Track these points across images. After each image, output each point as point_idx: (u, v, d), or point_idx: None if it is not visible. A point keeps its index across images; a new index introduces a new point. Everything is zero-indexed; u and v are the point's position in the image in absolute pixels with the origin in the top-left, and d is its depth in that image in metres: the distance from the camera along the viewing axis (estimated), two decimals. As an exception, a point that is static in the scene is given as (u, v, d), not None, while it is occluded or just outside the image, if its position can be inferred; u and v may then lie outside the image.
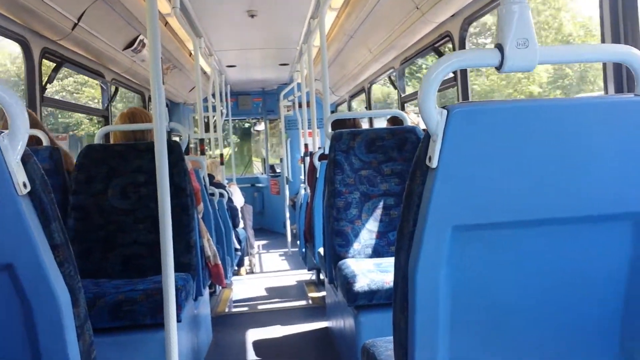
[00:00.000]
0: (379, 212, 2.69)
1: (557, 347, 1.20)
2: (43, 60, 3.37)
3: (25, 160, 1.00)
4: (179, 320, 2.13)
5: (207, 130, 6.45)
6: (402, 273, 1.14)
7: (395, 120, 3.73)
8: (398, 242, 1.18)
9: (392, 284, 2.19)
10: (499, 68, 1.05)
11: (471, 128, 1.03)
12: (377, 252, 2.67)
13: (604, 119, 1.05)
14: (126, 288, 2.19)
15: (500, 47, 1.03)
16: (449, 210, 1.05)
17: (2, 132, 0.98)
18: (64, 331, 1.03)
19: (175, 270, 2.05)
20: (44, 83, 3.38)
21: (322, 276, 4.64)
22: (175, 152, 2.51)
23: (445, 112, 1.02)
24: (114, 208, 2.53)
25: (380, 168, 2.72)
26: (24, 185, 0.98)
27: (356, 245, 2.64)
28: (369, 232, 2.67)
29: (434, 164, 1.03)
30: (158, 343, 2.09)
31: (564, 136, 1.04)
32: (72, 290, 1.07)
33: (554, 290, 1.16)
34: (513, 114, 1.04)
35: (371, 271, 2.29)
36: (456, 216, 1.06)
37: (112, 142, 2.89)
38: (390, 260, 2.49)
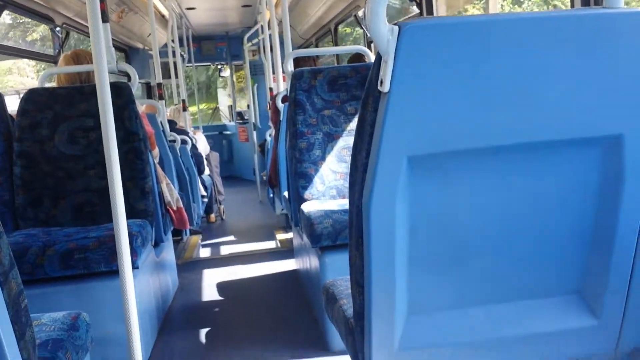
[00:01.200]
0: (343, 152, 2.61)
1: (515, 280, 1.17)
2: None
3: None
4: (135, 267, 2.06)
5: (168, 76, 6.19)
6: (357, 208, 1.08)
7: (359, 59, 3.60)
8: (351, 175, 1.11)
9: None
10: None
11: (425, 46, 0.94)
12: (342, 193, 2.61)
13: (570, 36, 0.97)
14: (78, 236, 2.10)
15: None
16: (403, 139, 0.98)
17: None
18: None
19: (131, 217, 1.97)
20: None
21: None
22: (124, 95, 2.37)
23: (396, 29, 0.92)
24: (62, 154, 2.40)
25: (343, 107, 2.63)
26: None
27: (320, 187, 2.57)
28: (332, 173, 2.60)
29: (386, 87, 0.94)
30: (115, 290, 2.02)
31: (525, 55, 0.97)
32: None
33: (513, 221, 1.11)
34: (470, 30, 0.95)
35: (334, 212, 2.24)
36: (411, 145, 0.99)
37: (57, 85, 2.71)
38: (355, 201, 2.45)
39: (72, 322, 1.36)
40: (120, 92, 2.32)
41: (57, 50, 4.41)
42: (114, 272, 2.02)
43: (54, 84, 2.76)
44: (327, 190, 2.59)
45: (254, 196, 6.73)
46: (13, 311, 1.01)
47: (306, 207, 2.38)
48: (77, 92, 2.43)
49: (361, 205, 1.05)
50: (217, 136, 8.79)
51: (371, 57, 3.04)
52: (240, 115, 8.76)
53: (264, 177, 6.58)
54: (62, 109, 2.41)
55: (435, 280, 1.13)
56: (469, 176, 1.05)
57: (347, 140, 2.63)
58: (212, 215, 5.54)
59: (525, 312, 1.19)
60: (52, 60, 4.40)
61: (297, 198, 2.58)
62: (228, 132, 9.01)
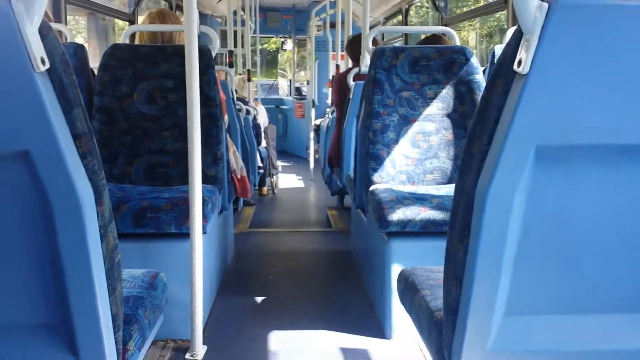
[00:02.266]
0: (417, 137, 2.53)
1: (629, 291, 1.07)
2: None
3: (43, 32, 0.85)
4: (204, 232, 2.06)
5: (234, 45, 6.21)
6: (467, 197, 1.00)
7: (434, 42, 3.47)
8: (464, 162, 1.03)
9: (428, 212, 2.08)
10: None
11: (575, 27, 0.85)
12: (412, 179, 2.53)
13: None
14: (151, 195, 2.11)
15: None
16: (534, 127, 0.90)
17: None
18: (86, 230, 0.93)
19: (202, 182, 1.96)
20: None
21: (345, 202, 4.56)
22: (205, 59, 2.35)
23: (545, 5, 0.84)
24: (140, 113, 2.41)
25: (422, 90, 2.53)
26: (42, 61, 0.84)
27: (390, 171, 2.50)
28: (404, 158, 2.52)
29: (526, 69, 0.86)
30: (182, 252, 2.03)
31: None
32: (95, 186, 0.96)
33: (633, 231, 1.02)
34: (628, 14, 0.85)
35: (406, 198, 2.17)
36: (542, 134, 0.90)
37: (137, 43, 2.72)
38: (426, 189, 2.36)
39: (151, 281, 1.36)
40: (203, 56, 2.30)
41: (132, 9, 4.46)
42: (183, 234, 2.03)
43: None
44: (397, 175, 2.52)
45: (306, 173, 6.72)
46: (109, 265, 1.00)
47: (376, 190, 2.32)
48: (159, 51, 2.43)
49: (473, 194, 0.98)
50: (274, 110, 8.80)
51: (455, 38, 2.91)
52: (298, 90, 8.72)
53: (317, 155, 6.55)
54: (143, 67, 2.42)
55: (540, 281, 1.05)
56: (597, 175, 0.96)
57: (422, 125, 2.54)
58: (265, 188, 5.56)
59: (632, 327, 1.09)
60: (128, 18, 4.46)
61: (366, 180, 2.52)
62: (285, 107, 9.01)
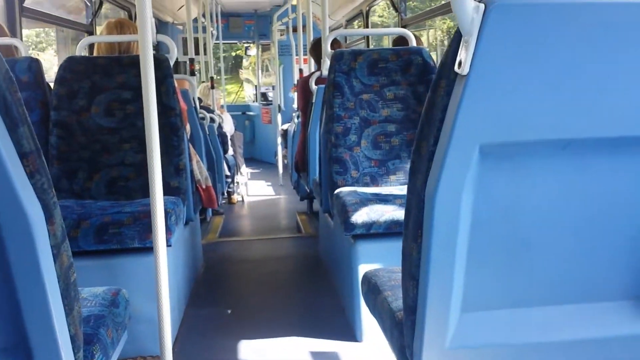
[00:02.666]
0: (379, 139, 2.55)
1: (577, 282, 1.10)
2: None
3: None
4: (168, 245, 2.04)
5: (196, 52, 6.15)
6: (418, 197, 1.02)
7: (401, 44, 3.51)
8: (414, 163, 1.05)
9: (391, 213, 2.09)
10: None
11: (511, 27, 0.87)
12: (375, 180, 2.55)
13: None
14: (112, 210, 2.08)
15: None
16: (477, 126, 0.92)
17: None
18: (37, 251, 0.91)
19: (164, 194, 1.93)
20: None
21: (314, 206, 4.57)
22: (163, 68, 2.33)
23: (482, 6, 0.85)
24: (99, 126, 2.37)
25: (382, 92, 2.56)
26: None
27: (354, 173, 2.52)
28: (367, 160, 2.54)
29: (465, 69, 0.88)
30: (147, 267, 2.00)
31: (620, 43, 0.89)
32: (45, 205, 0.94)
33: (582, 220, 1.05)
34: (564, 13, 0.88)
35: (369, 200, 2.19)
36: (485, 133, 0.92)
37: (95, 54, 2.67)
38: (389, 189, 2.39)
39: (112, 298, 1.34)
40: (160, 65, 2.28)
41: (89, 20, 4.38)
42: (147, 248, 2.00)
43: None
44: (360, 177, 2.53)
45: (275, 179, 6.70)
46: (64, 285, 0.98)
47: (340, 193, 2.33)
48: (116, 62, 2.40)
49: (424, 194, 0.99)
50: (240, 116, 8.75)
51: (412, 40, 2.95)
52: (264, 96, 8.70)
53: (285, 161, 6.55)
54: (100, 79, 2.38)
55: (494, 276, 1.08)
56: (541, 169, 0.99)
57: (383, 127, 2.56)
58: (234, 196, 5.52)
59: (585, 316, 1.13)
60: (85, 29, 4.38)
61: (330, 184, 2.53)
62: (251, 113, 8.97)
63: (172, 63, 2.45)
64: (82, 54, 2.63)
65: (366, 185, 2.53)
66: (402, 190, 2.35)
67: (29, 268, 0.92)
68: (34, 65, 2.40)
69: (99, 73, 2.39)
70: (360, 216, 2.11)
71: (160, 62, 2.30)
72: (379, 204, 2.15)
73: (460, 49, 0.88)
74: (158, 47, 2.49)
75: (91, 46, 2.82)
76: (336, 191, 2.41)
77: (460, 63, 0.88)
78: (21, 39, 2.90)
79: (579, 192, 1.01)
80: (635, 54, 0.90)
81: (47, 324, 0.96)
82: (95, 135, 2.38)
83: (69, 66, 2.39)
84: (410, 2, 8.93)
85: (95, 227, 1.99)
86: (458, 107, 0.89)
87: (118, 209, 2.10)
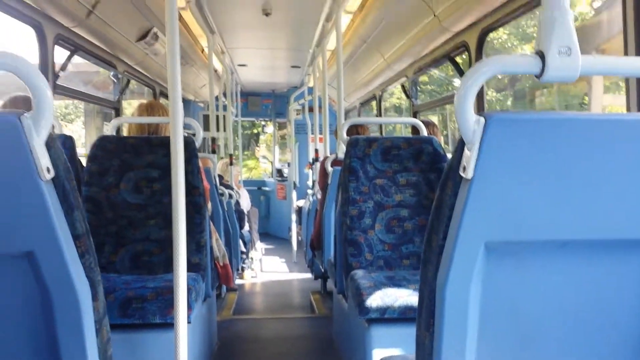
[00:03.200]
0: (392, 223, 2.63)
1: None
2: (56, 46, 3.33)
3: (49, 143, 0.96)
4: (188, 322, 2.09)
5: (217, 129, 6.43)
6: (429, 288, 1.09)
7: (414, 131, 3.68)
8: (425, 254, 1.13)
9: (405, 298, 2.14)
10: (539, 76, 1.00)
11: (509, 138, 0.98)
12: (389, 264, 2.61)
13: None
14: (136, 285, 2.15)
15: (541, 54, 0.98)
16: (482, 225, 1.00)
17: (24, 112, 0.93)
18: (83, 325, 0.99)
19: (186, 270, 2.01)
20: (56, 70, 3.34)
21: (328, 286, 4.58)
22: (190, 149, 2.47)
23: (482, 120, 0.97)
24: (126, 202, 2.49)
25: (395, 178, 2.67)
26: (48, 170, 0.94)
27: (368, 256, 2.59)
28: (381, 243, 2.62)
29: (469, 174, 0.98)
30: (166, 343, 2.04)
31: (609, 154, 0.99)
32: (92, 283, 1.03)
33: (581, 316, 1.11)
34: (554, 126, 0.99)
35: (384, 284, 2.24)
36: (489, 231, 1.01)
37: (125, 133, 2.85)
38: (403, 274, 2.44)
39: None
40: (187, 146, 2.42)
41: (116, 97, 4.65)
42: (167, 324, 2.05)
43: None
44: (375, 260, 2.60)
45: (289, 256, 6.74)
46: (102, 358, 1.05)
47: (355, 276, 2.39)
48: (145, 142, 2.54)
49: (435, 285, 1.07)
50: (256, 191, 8.93)
51: (423, 129, 3.11)
52: (279, 172, 8.92)
53: (300, 237, 6.61)
54: (129, 158, 2.52)
55: None
56: (542, 266, 1.06)
57: (397, 211, 2.65)
58: (246, 272, 5.56)
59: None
60: (113, 106, 4.64)
61: (345, 265, 2.59)
62: (267, 189, 9.15)
63: (197, 145, 2.60)
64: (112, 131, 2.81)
65: (380, 268, 2.59)
66: (416, 274, 2.40)
67: (75, 341, 0.99)
68: (68, 142, 2.57)
69: (129, 152, 2.53)
70: (375, 300, 2.15)
71: (187, 144, 2.45)
72: (393, 288, 2.19)
73: (463, 156, 0.99)
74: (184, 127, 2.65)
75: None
76: (351, 273, 2.47)
77: (464, 168, 0.99)
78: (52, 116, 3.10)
79: (579, 288, 1.08)
80: (624, 164, 1.00)
81: None
82: (122, 211, 2.49)
83: (101, 145, 2.54)
84: (428, 86, 9.30)
85: (119, 301, 2.05)
86: (464, 207, 0.99)
87: (141, 283, 2.17)
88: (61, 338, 0.98)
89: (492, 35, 3.36)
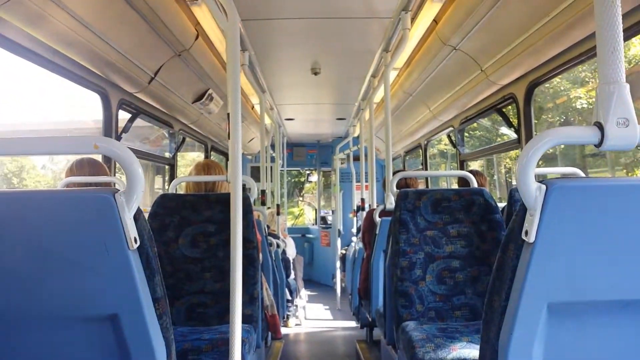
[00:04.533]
0: (443, 273, 2.64)
1: None
2: (120, 111, 3.57)
3: (136, 216, 1.06)
4: None
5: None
6: (492, 348, 1.12)
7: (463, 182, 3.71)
8: (487, 314, 1.16)
9: (459, 351, 2.13)
10: (598, 145, 1.05)
11: (570, 204, 1.02)
12: (441, 315, 2.60)
13: None
14: (192, 337, 2.22)
15: (599, 126, 1.04)
16: (544, 287, 1.04)
17: (116, 189, 1.05)
18: None
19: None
20: (119, 133, 3.56)
21: (374, 335, 4.54)
22: (245, 205, 2.57)
23: (544, 187, 1.02)
24: (184, 256, 2.60)
25: (445, 229, 2.70)
26: (135, 240, 1.04)
27: (419, 307, 2.59)
28: (432, 295, 2.62)
29: (531, 238, 1.02)
30: None
31: None
32: (167, 342, 1.11)
33: None
34: (612, 192, 1.03)
35: (436, 336, 2.24)
36: (552, 293, 1.04)
37: (183, 191, 3.00)
38: (456, 326, 2.43)
39: None
40: (242, 202, 2.53)
41: (172, 154, 4.89)
42: None
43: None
44: (425, 311, 2.60)
45: (333, 303, 6.72)
46: None
47: (407, 327, 2.39)
48: (204, 199, 2.68)
49: (497, 345, 1.09)
50: (300, 239, 9.01)
51: (473, 181, 3.14)
52: (323, 219, 8.99)
53: (343, 284, 6.60)
54: (188, 214, 2.65)
55: None
56: (605, 326, 1.08)
57: (447, 262, 2.66)
58: (291, 321, 5.56)
59: None
60: (168, 162, 4.87)
61: (396, 317, 2.60)
62: (311, 236, 9.22)
63: (252, 199, 2.71)
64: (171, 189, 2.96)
65: (431, 319, 2.58)
66: (468, 326, 2.38)
67: None
68: None
69: (187, 209, 2.66)
70: (428, 353, 2.15)
71: (243, 200, 2.56)
72: (446, 341, 2.19)
73: (525, 221, 1.04)
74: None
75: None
76: (402, 325, 2.47)
77: (526, 232, 1.03)
78: (113, 175, 3.29)
79: (636, 349, 1.09)
80: None
81: None
82: (180, 265, 2.60)
83: (162, 202, 2.68)
84: (477, 132, 9.30)
85: (176, 353, 2.12)
86: (527, 270, 1.03)
87: (197, 335, 2.25)
88: None
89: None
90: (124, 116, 3.73)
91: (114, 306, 1.03)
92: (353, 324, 5.26)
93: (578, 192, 1.02)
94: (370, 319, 3.84)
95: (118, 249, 1.02)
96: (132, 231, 1.03)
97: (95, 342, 1.05)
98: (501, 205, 3.07)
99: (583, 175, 2.59)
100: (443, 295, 2.62)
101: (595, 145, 1.05)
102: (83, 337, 1.05)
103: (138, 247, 1.05)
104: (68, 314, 1.04)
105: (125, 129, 3.76)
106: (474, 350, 2.13)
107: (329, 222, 8.84)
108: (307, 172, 9.48)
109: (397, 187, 3.27)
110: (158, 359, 1.05)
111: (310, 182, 9.75)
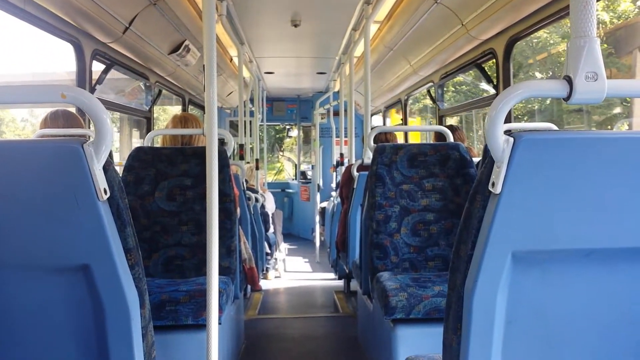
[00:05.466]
0: (418, 226, 2.70)
1: None
2: (93, 62, 3.47)
3: (105, 167, 1.06)
4: (219, 323, 2.18)
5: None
6: (457, 294, 1.16)
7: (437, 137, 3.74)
8: (454, 262, 1.20)
9: (431, 299, 2.20)
10: (566, 99, 1.07)
11: (536, 156, 1.04)
12: (414, 266, 2.68)
13: None
14: (169, 288, 2.25)
15: (569, 79, 1.05)
16: (509, 236, 1.07)
17: (85, 139, 1.04)
18: (132, 331, 1.09)
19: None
20: (93, 84, 3.48)
21: (351, 286, 4.66)
22: (222, 158, 2.57)
23: (511, 140, 1.03)
24: (160, 209, 2.61)
25: (421, 183, 2.73)
26: (105, 191, 1.04)
27: (393, 258, 2.65)
28: (407, 246, 2.68)
29: (498, 190, 1.05)
30: (198, 343, 2.14)
31: (628, 169, 1.05)
32: (140, 292, 1.12)
33: (605, 322, 1.16)
34: (577, 145, 1.06)
35: (409, 286, 2.30)
36: (516, 242, 1.08)
37: (160, 144, 2.97)
38: (429, 275, 2.50)
39: None
40: (219, 156, 2.52)
41: (149, 107, 4.80)
42: (200, 325, 2.15)
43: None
44: (400, 263, 2.66)
45: (312, 256, 6.83)
46: None
47: (381, 277, 2.46)
48: (179, 152, 2.66)
49: (463, 292, 1.13)
50: (280, 193, 9.05)
51: (450, 137, 3.16)
52: (303, 174, 9.03)
53: (322, 238, 6.70)
54: (164, 168, 2.64)
55: None
56: (567, 274, 1.12)
57: (422, 215, 2.72)
58: (271, 273, 5.66)
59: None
60: (145, 115, 4.79)
61: (371, 268, 2.66)
62: (290, 191, 9.26)
63: (229, 153, 2.70)
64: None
65: (405, 270, 2.65)
66: (441, 276, 2.46)
67: (124, 346, 1.09)
68: None
69: (163, 162, 2.65)
70: (401, 301, 2.23)
71: (219, 153, 2.55)
72: (419, 290, 2.26)
73: (492, 173, 1.06)
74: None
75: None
76: (377, 275, 2.54)
77: (493, 184, 1.05)
78: (88, 127, 3.24)
79: (603, 295, 1.14)
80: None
81: None
82: (156, 218, 2.61)
83: (137, 156, 2.66)
84: (464, 86, 9.29)
85: (153, 304, 2.15)
86: (492, 220, 1.06)
87: (174, 287, 2.28)
88: (111, 343, 1.08)
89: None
90: (98, 68, 3.65)
91: (85, 257, 1.04)
92: (332, 275, 5.38)
93: (545, 144, 1.04)
94: (347, 271, 3.94)
95: (88, 200, 1.02)
96: (101, 182, 1.03)
97: (68, 292, 1.06)
98: (477, 160, 3.12)
99: (556, 129, 2.62)
100: (417, 247, 2.68)
101: (564, 99, 1.07)
102: (55, 288, 1.06)
103: (108, 199, 1.05)
104: (39, 263, 1.05)
105: (100, 81, 3.67)
106: (444, 299, 2.20)
107: (308, 177, 8.88)
108: (287, 127, 9.43)
109: (377, 143, 3.28)
110: (131, 309, 1.07)
111: (290, 137, 9.71)
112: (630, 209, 1.07)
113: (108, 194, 1.04)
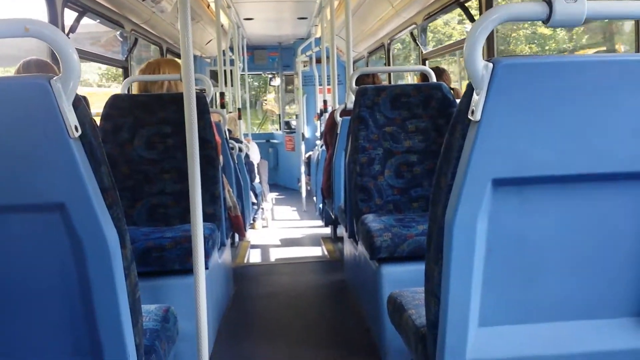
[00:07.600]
0: (401, 168, 2.70)
1: (583, 300, 1.23)
2: (65, 9, 3.33)
3: (76, 104, 1.02)
4: (206, 268, 2.20)
5: (225, 84, 6.43)
6: (438, 225, 1.17)
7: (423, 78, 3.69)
8: (434, 195, 1.20)
9: (414, 238, 2.23)
10: (546, 22, 1.04)
11: (516, 82, 1.03)
12: (398, 207, 2.70)
13: None
14: (155, 235, 2.25)
15: (548, 1, 1.02)
16: (489, 164, 1.07)
17: (53, 76, 1.00)
18: (113, 271, 1.08)
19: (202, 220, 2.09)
20: (66, 33, 3.35)
21: (339, 231, 4.71)
22: (201, 105, 2.52)
23: (490, 65, 1.02)
24: (141, 158, 2.57)
25: (404, 125, 2.72)
26: (76, 128, 1.01)
27: (378, 201, 2.67)
28: (391, 188, 2.70)
29: (477, 117, 1.03)
30: (187, 288, 2.16)
31: (607, 93, 1.04)
32: (120, 232, 1.11)
33: (584, 246, 1.18)
34: (557, 69, 1.04)
35: (393, 226, 2.33)
36: (496, 169, 1.07)
37: (134, 91, 2.90)
38: (412, 216, 2.53)
39: (163, 315, 1.50)
40: (198, 102, 2.47)
41: (125, 56, 4.66)
42: (187, 270, 2.16)
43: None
44: (384, 205, 2.68)
45: (298, 205, 6.87)
46: (132, 300, 1.15)
47: (365, 219, 2.48)
48: (157, 99, 2.60)
49: (443, 223, 1.14)
50: (264, 144, 9.00)
51: (433, 77, 3.13)
52: (287, 124, 8.95)
53: (309, 187, 6.72)
54: (142, 115, 2.58)
55: (507, 295, 1.21)
56: (547, 200, 1.13)
57: (405, 157, 2.72)
58: (258, 223, 5.69)
59: (591, 331, 1.25)
60: (121, 65, 4.66)
61: (355, 211, 2.68)
62: (275, 141, 9.21)
63: (208, 100, 2.65)
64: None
65: (390, 212, 2.67)
66: (424, 216, 2.48)
67: (106, 285, 1.09)
68: (82, 101, 2.63)
69: (141, 109, 2.59)
70: (385, 241, 2.25)
71: (198, 100, 2.50)
72: (403, 230, 2.29)
73: (472, 100, 1.04)
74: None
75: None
76: (361, 217, 2.56)
77: (472, 111, 1.04)
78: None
79: (582, 220, 1.15)
80: (625, 101, 1.05)
81: (119, 333, 1.13)
82: (137, 166, 2.57)
83: (114, 103, 2.60)
84: (452, 30, 9.14)
85: (139, 251, 2.16)
86: (472, 148, 1.05)
87: (160, 234, 2.28)
88: (93, 283, 1.07)
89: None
90: (71, 16, 3.51)
91: (59, 195, 1.02)
92: (319, 223, 5.42)
93: (525, 69, 1.02)
94: (333, 217, 3.97)
95: (58, 138, 0.99)
96: (71, 119, 1.00)
97: (45, 232, 1.05)
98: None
99: None
100: (401, 189, 2.70)
101: (543, 22, 1.04)
102: (32, 228, 1.05)
103: (80, 136, 1.02)
104: (14, 203, 1.02)
105: (72, 29, 3.54)
106: None
107: (293, 127, 8.81)
108: (269, 75, 9.28)
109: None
110: (111, 247, 1.06)
111: (273, 86, 9.56)
112: (608, 134, 1.07)
113: (79, 132, 1.01)
